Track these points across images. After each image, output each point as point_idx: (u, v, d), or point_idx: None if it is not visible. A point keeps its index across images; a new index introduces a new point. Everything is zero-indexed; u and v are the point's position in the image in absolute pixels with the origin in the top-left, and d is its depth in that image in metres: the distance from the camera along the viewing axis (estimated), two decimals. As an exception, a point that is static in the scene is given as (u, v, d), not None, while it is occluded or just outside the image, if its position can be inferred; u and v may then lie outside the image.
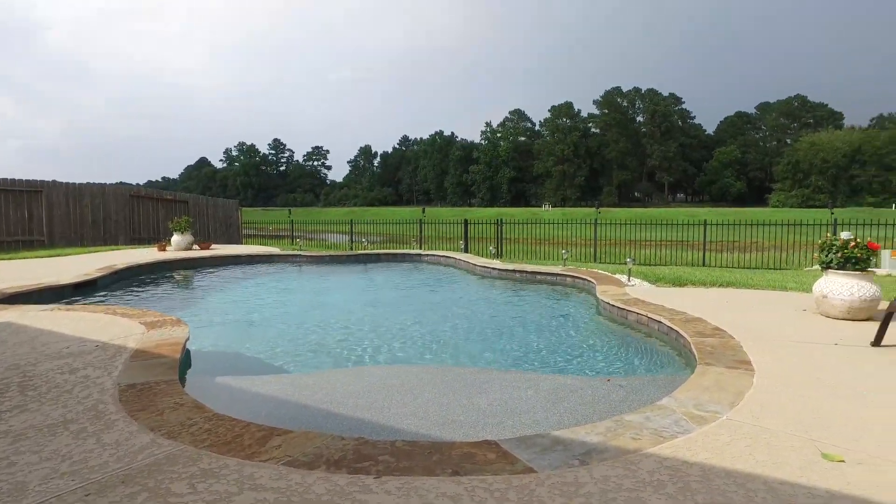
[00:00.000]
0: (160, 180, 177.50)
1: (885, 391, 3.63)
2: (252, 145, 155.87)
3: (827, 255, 5.67)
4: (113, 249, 15.27)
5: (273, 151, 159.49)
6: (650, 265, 13.38)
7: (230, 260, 12.94)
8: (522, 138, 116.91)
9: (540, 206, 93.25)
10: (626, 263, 8.95)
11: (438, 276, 11.28)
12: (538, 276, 9.73)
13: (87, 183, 18.34)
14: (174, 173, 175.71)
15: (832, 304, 5.60)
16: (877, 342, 4.76)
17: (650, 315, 5.88)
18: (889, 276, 12.04)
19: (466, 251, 16.15)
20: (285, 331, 6.68)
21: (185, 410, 3.28)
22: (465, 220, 17.74)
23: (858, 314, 5.57)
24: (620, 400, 3.96)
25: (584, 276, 8.84)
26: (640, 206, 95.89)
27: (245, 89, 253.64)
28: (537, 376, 4.73)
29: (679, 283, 8.39)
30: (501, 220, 17.31)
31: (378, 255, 13.43)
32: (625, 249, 17.21)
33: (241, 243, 22.46)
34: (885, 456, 2.70)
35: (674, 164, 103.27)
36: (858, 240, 5.60)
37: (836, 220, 14.94)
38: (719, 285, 8.11)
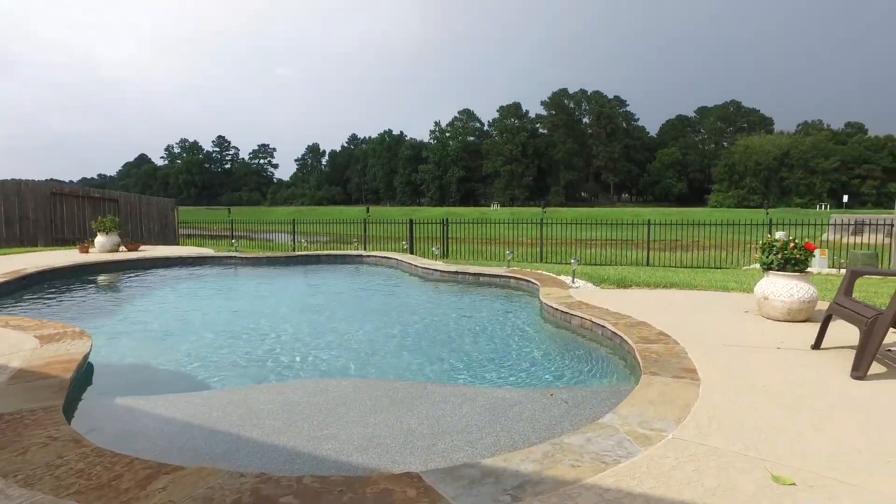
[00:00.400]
0: (96, 178, 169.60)
1: (827, 399, 3.50)
2: (195, 142, 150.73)
3: (768, 257, 5.60)
4: (29, 251, 14.13)
5: (217, 149, 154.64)
6: (595, 265, 13.37)
7: (159, 262, 12.12)
8: (471, 138, 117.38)
9: (489, 206, 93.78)
10: (570, 264, 8.78)
11: (378, 279, 10.86)
12: (481, 278, 9.46)
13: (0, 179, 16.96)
14: (112, 170, 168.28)
15: (773, 305, 5.53)
16: (816, 345, 4.68)
17: (594, 319, 5.67)
18: (819, 274, 12.43)
19: (412, 252, 15.77)
20: (205, 341, 6.13)
21: (58, 446, 2.78)
22: (411, 220, 17.38)
23: (797, 315, 5.53)
24: (561, 415, 3.68)
25: (527, 278, 8.63)
26: (587, 206, 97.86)
27: (188, 84, 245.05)
28: (474, 389, 4.42)
29: (623, 284, 8.29)
30: (447, 219, 17.02)
31: (318, 256, 12.86)
32: (571, 249, 17.22)
33: (178, 244, 21.37)
34: (834, 476, 2.51)
35: (618, 165, 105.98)
36: (797, 241, 5.55)
37: (771, 220, 15.38)
38: (663, 286, 8.04)
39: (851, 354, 4.42)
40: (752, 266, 13.55)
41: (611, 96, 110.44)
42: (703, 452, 2.72)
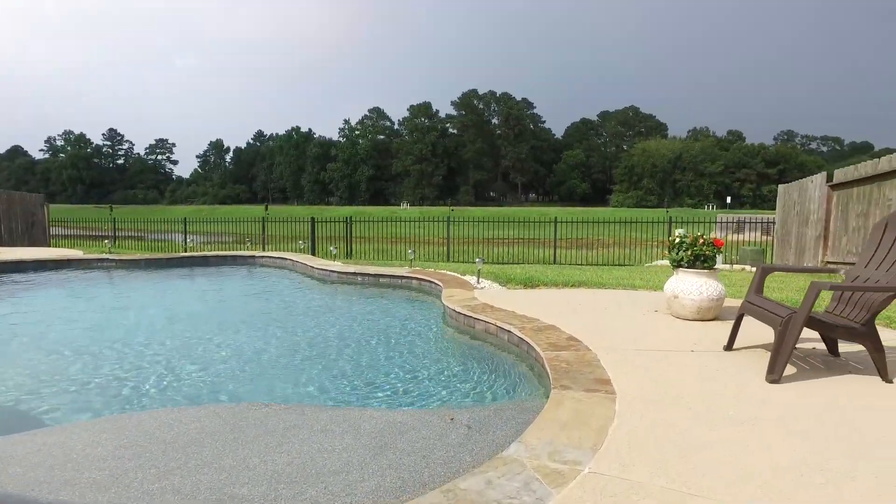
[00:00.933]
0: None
1: (749, 410, 3.18)
2: (82, 134, 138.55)
3: (678, 254, 5.36)
4: None
5: (108, 142, 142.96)
6: (502, 264, 13.08)
7: (7, 267, 10.44)
8: (381, 137, 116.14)
9: (399, 205, 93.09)
10: (476, 263, 8.33)
11: (268, 282, 9.92)
12: (381, 280, 8.80)
13: None
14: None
15: (683, 304, 5.30)
16: (729, 346, 4.45)
17: (499, 323, 5.19)
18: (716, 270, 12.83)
19: (313, 252, 14.83)
20: (36, 365, 5.06)
21: None
22: (312, 219, 16.36)
23: (707, 314, 5.33)
24: (461, 443, 3.12)
25: (430, 279, 8.07)
26: (496, 206, 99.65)
27: (74, 70, 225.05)
28: (360, 413, 3.76)
29: (531, 284, 7.94)
30: (350, 218, 16.18)
31: (206, 257, 11.64)
32: (478, 248, 16.94)
33: (49, 245, 19.03)
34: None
35: (526, 165, 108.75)
36: (705, 236, 5.36)
37: (671, 217, 15.83)
38: (571, 285, 7.75)
39: (764, 355, 4.20)
40: (655, 263, 13.81)
41: (519, 98, 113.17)
42: (626, 490, 2.25)
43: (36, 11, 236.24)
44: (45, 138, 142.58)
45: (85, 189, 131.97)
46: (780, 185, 14.61)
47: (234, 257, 11.59)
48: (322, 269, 9.64)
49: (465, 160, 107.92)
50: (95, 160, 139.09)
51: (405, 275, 8.56)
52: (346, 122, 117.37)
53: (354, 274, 9.11)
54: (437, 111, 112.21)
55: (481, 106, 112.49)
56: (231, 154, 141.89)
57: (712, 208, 76.76)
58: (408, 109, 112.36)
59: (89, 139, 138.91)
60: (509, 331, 4.98)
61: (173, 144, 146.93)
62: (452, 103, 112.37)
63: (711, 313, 5.31)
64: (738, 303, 5.10)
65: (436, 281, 7.82)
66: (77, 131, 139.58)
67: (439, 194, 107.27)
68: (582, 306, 6.19)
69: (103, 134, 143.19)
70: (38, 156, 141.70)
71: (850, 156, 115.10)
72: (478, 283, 7.69)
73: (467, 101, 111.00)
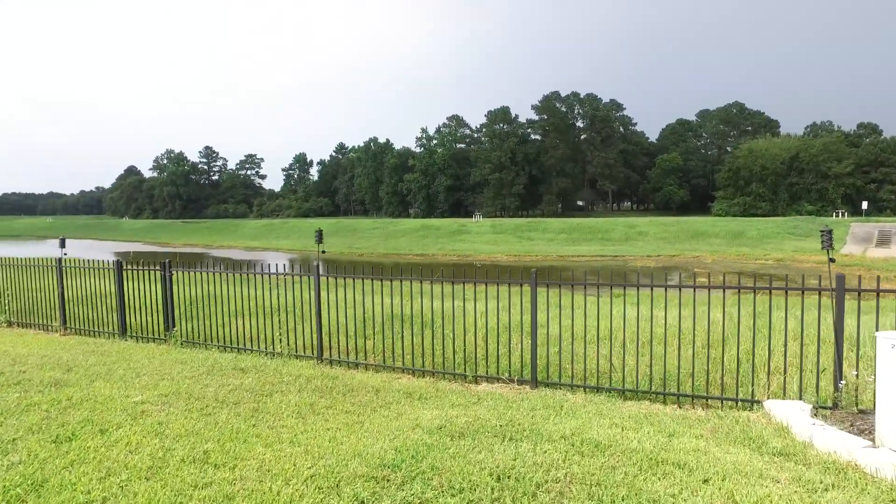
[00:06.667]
0: (94, 190, 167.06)
1: None
2: (180, 153, 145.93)
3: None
4: None
5: (204, 160, 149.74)
6: (422, 375, 5.99)
7: None
8: (461, 145, 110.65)
9: (479, 216, 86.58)
10: None
11: None
12: None
13: None
14: (108, 183, 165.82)
15: None
16: None
17: None
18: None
19: (124, 331, 9.09)
20: None
21: None
22: (118, 263, 9.77)
23: None
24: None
25: None
26: (584, 215, 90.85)
27: (176, 96, 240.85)
28: None
29: None
30: (168, 262, 9.51)
31: None
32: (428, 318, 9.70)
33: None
34: None
35: (615, 172, 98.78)
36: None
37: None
38: None
39: None
40: (779, 415, 6.51)
41: (606, 100, 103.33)
42: None
43: (150, 48, 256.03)
44: (154, 157, 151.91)
45: (183, 205, 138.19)
46: None
47: None
48: None
49: (548, 167, 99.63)
50: (192, 176, 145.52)
51: None
52: (424, 130, 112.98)
53: None
54: (517, 116, 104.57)
55: (564, 109, 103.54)
56: (315, 167, 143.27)
57: (842, 215, 63.74)
58: (485, 115, 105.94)
59: (186, 157, 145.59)
60: None
61: (261, 159, 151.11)
62: (533, 107, 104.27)
63: None
64: None
65: None
66: (177, 150, 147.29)
67: (521, 204, 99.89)
68: None
69: (200, 151, 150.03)
70: (149, 174, 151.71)
71: None
72: None
73: (549, 105, 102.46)
